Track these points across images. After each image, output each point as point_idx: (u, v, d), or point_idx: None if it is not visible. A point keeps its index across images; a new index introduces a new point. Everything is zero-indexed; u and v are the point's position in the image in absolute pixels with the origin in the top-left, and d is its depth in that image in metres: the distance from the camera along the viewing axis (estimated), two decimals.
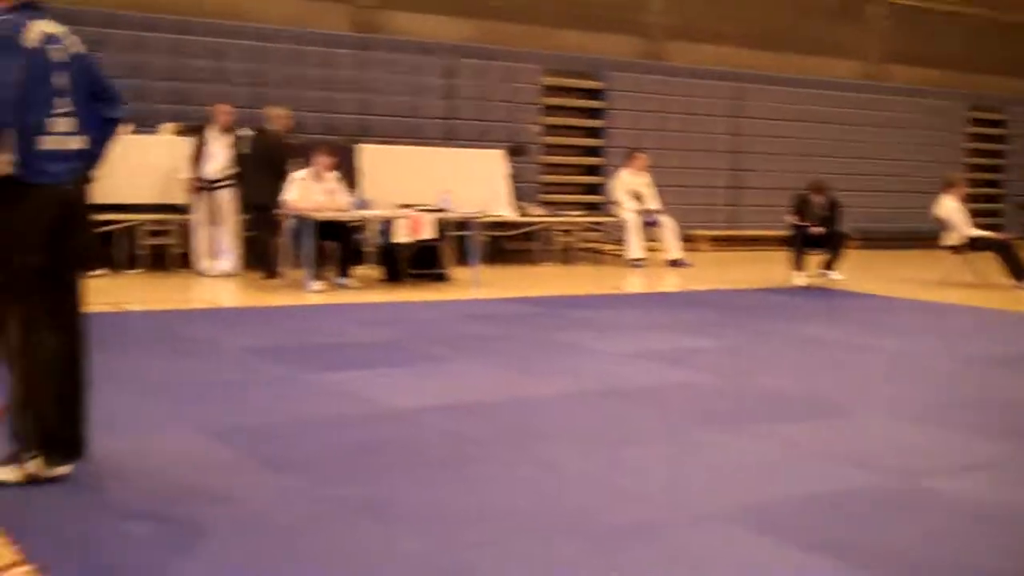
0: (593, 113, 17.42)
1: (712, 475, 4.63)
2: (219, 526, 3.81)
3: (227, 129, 12.21)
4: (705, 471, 4.69)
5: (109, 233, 12.00)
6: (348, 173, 12.84)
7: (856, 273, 13.04)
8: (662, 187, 15.43)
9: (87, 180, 4.48)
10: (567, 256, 15.48)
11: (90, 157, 4.46)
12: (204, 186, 12.06)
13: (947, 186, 13.52)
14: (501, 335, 8.52)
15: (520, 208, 15.09)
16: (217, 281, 11.80)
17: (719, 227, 18.07)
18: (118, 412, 5.09)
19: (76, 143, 4.35)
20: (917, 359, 7.95)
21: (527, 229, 15.29)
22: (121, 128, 4.61)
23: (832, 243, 12.75)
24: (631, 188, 15.02)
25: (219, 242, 12.17)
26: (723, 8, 18.59)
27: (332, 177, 11.62)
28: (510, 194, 15.03)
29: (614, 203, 15.20)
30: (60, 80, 4.28)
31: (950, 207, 13.28)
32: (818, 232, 12.62)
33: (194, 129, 12.37)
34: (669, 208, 15.19)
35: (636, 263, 14.44)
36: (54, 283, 4.28)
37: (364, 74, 15.03)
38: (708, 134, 18.18)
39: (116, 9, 13.42)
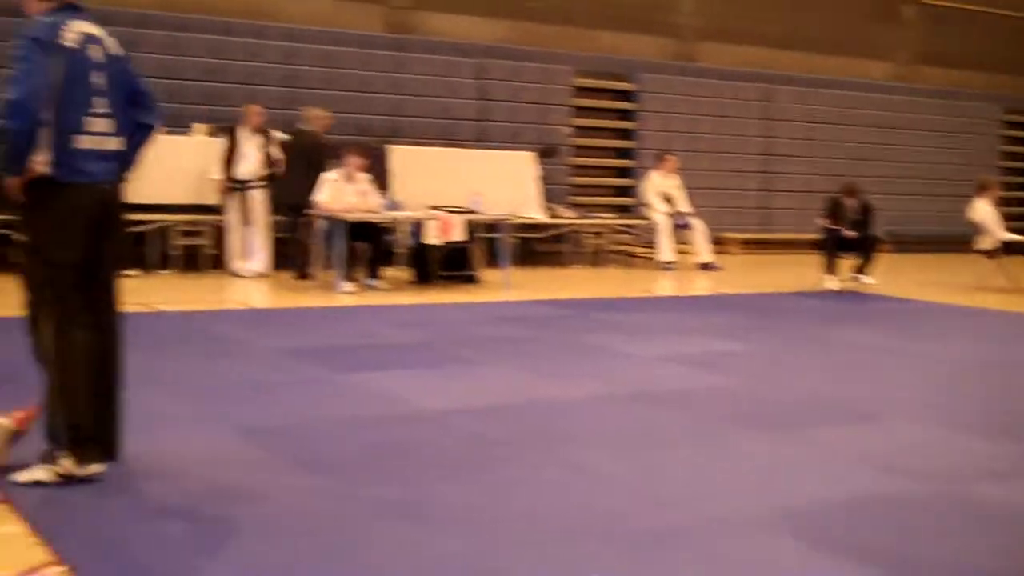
0: (624, 115, 17.38)
1: (743, 479, 4.61)
2: (251, 526, 3.82)
3: (259, 130, 12.26)
4: (736, 475, 4.67)
5: (142, 233, 12.07)
6: (379, 174, 12.86)
7: (889, 277, 12.95)
8: (693, 189, 15.39)
9: (122, 181, 4.52)
10: (597, 258, 15.45)
11: (126, 159, 4.50)
12: (236, 187, 12.11)
13: (981, 189, 13.40)
14: (531, 337, 8.51)
15: (550, 210, 15.07)
16: (249, 282, 11.86)
17: (750, 230, 17.98)
18: (151, 412, 5.12)
19: (113, 143, 4.39)
20: (950, 364, 7.89)
21: (557, 231, 15.28)
22: (157, 133, 4.64)
23: (865, 247, 12.66)
24: (662, 190, 14.98)
25: (251, 243, 12.22)
26: (755, 9, 18.51)
27: (364, 178, 11.65)
28: (541, 196, 15.02)
29: (645, 205, 15.15)
30: (98, 80, 4.31)
31: (984, 210, 13.17)
32: (851, 236, 12.54)
33: (226, 130, 12.42)
34: (700, 210, 15.13)
35: (667, 266, 14.40)
36: (89, 282, 4.32)
37: (397, 75, 15.06)
38: (739, 136, 18.10)
39: (150, 9, 13.51)
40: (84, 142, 4.26)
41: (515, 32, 16.40)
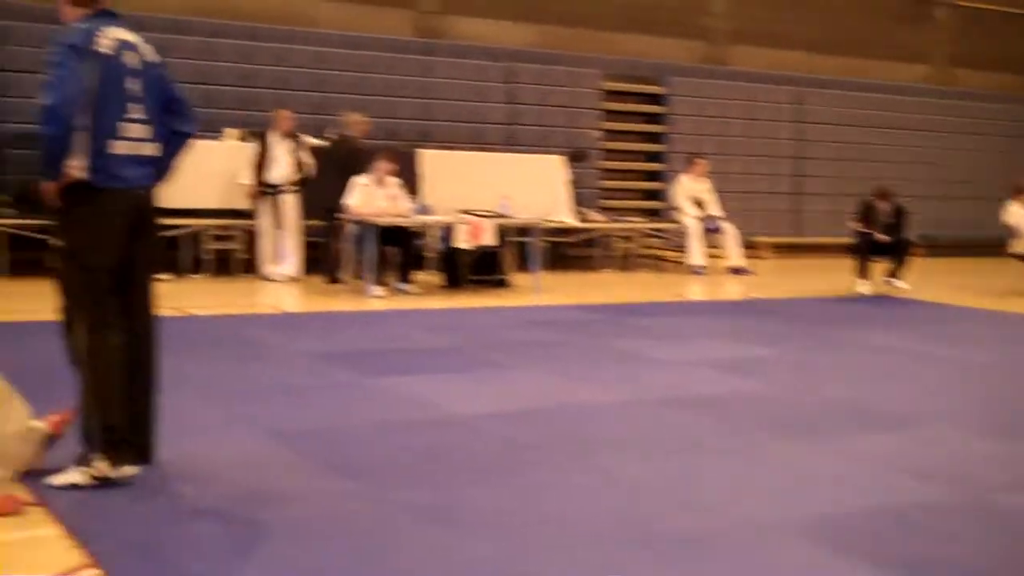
0: (654, 118, 17.35)
1: (774, 485, 4.59)
2: (284, 529, 3.84)
3: (289, 134, 12.32)
4: (767, 481, 4.65)
5: (175, 238, 12.15)
6: (409, 178, 12.89)
7: (922, 282, 12.85)
8: (724, 193, 15.34)
9: (158, 186, 4.55)
10: (627, 263, 15.43)
11: (162, 166, 4.53)
12: (267, 191, 12.17)
13: (1016, 192, 13.28)
14: (561, 342, 8.51)
15: (580, 214, 15.06)
16: (280, 286, 11.92)
17: (782, 234, 17.90)
18: (183, 415, 5.14)
19: (149, 149, 4.42)
20: (984, 370, 7.82)
21: (587, 235, 15.27)
22: (193, 140, 4.67)
23: (897, 251, 12.58)
24: (692, 194, 14.95)
25: (282, 247, 12.28)
26: (785, 11, 18.43)
27: (394, 183, 11.68)
28: (570, 200, 15.01)
29: (675, 209, 15.12)
30: (133, 87, 4.35)
31: (1018, 214, 13.06)
32: (883, 239, 12.45)
33: (256, 135, 12.49)
34: (731, 214, 15.08)
35: (697, 270, 14.36)
36: (123, 285, 4.36)
37: (426, 79, 15.10)
38: (770, 139, 18.03)
39: (183, 15, 13.60)
40: (120, 148, 4.29)
41: (544, 36, 16.41)
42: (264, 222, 12.27)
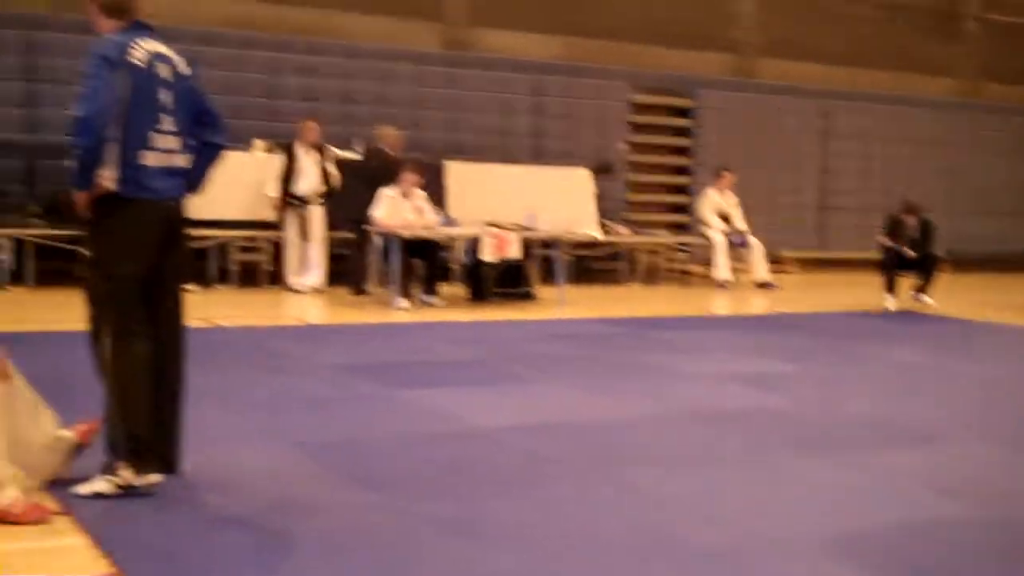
0: (681, 131, 17.33)
1: (799, 501, 4.57)
2: (308, 540, 3.85)
3: (315, 145, 12.38)
4: (792, 497, 4.63)
5: (202, 249, 12.22)
6: (436, 191, 12.93)
7: (949, 297, 12.77)
8: (750, 207, 15.30)
9: (188, 198, 4.59)
10: (653, 276, 15.40)
11: (193, 178, 4.57)
12: (294, 202, 12.23)
13: None
14: (586, 355, 8.50)
15: (606, 227, 15.05)
16: (306, 297, 11.96)
17: (808, 248, 17.82)
18: (208, 425, 5.17)
19: (180, 161, 4.46)
20: (1011, 386, 7.76)
21: (613, 248, 15.25)
22: (224, 153, 4.70)
23: (925, 266, 12.50)
24: (718, 208, 14.92)
25: (308, 258, 12.32)
26: (814, 25, 18.38)
27: (420, 195, 11.71)
28: (596, 213, 15.00)
29: (701, 223, 15.09)
30: (165, 98, 4.38)
31: None
32: (910, 255, 12.38)
33: (283, 146, 12.56)
34: (757, 228, 15.04)
35: (723, 284, 14.33)
36: (152, 295, 4.39)
37: (453, 92, 15.14)
38: (797, 153, 17.98)
39: (213, 27, 13.69)
40: (150, 159, 4.33)
41: (571, 48, 16.43)
42: (290, 233, 12.32)
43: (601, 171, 15.37)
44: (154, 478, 4.27)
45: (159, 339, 4.42)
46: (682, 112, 17.31)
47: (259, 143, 13.10)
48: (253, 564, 3.63)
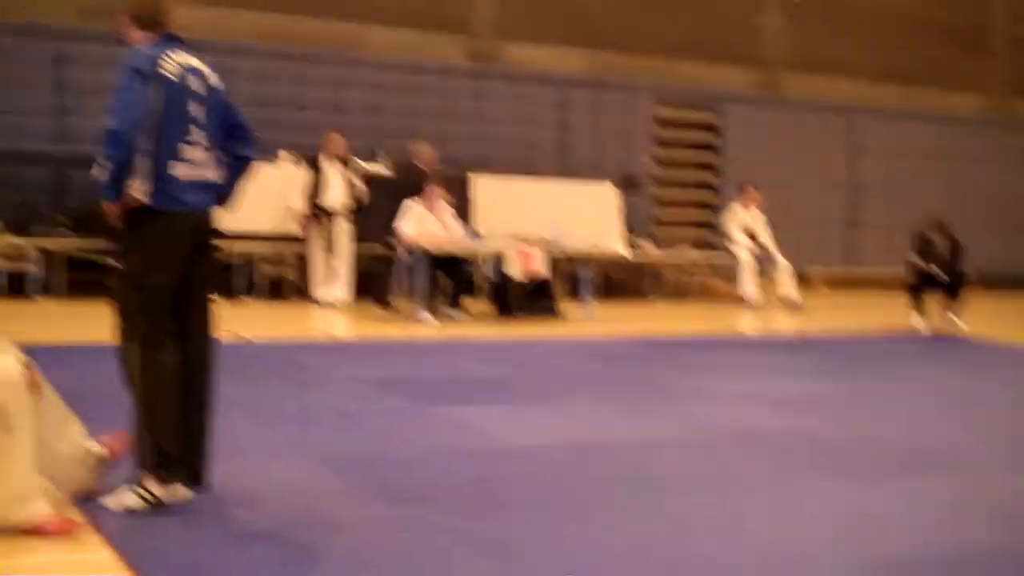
0: (707, 147, 17.28)
1: (828, 526, 4.50)
2: (337, 555, 3.83)
3: (341, 158, 12.40)
4: (823, 521, 4.56)
5: (228, 261, 12.24)
6: (461, 205, 12.92)
7: (979, 318, 12.64)
8: (776, 223, 15.21)
9: (218, 210, 4.59)
10: (679, 292, 15.34)
11: (224, 191, 4.56)
12: (320, 215, 12.24)
13: None
14: (613, 374, 8.46)
15: (632, 243, 15.00)
16: (331, 311, 11.96)
17: (835, 265, 17.72)
18: (235, 439, 5.14)
19: (210, 174, 4.45)
20: None
21: (639, 265, 15.20)
22: (254, 166, 4.70)
23: (954, 286, 12.38)
24: (745, 224, 14.83)
25: (334, 272, 12.33)
26: (841, 40, 18.32)
27: (446, 209, 11.70)
28: (622, 229, 14.96)
29: (727, 239, 15.02)
30: (196, 111, 4.38)
31: None
32: (940, 275, 12.26)
33: (309, 159, 12.58)
34: (784, 245, 14.94)
35: (750, 302, 14.24)
36: (180, 307, 4.38)
37: (479, 105, 15.15)
38: (825, 169, 17.90)
39: (243, 39, 13.74)
40: (181, 171, 4.32)
41: (597, 62, 16.41)
42: (316, 247, 12.33)
43: (627, 185, 15.34)
44: (181, 491, 4.26)
45: (188, 351, 4.41)
46: (708, 127, 17.26)
47: (286, 155, 13.13)
48: None
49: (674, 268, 15.55)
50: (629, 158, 16.08)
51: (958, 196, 18.45)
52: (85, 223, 11.78)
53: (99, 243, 11.18)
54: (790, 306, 14.23)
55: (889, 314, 13.03)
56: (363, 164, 12.92)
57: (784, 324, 13.07)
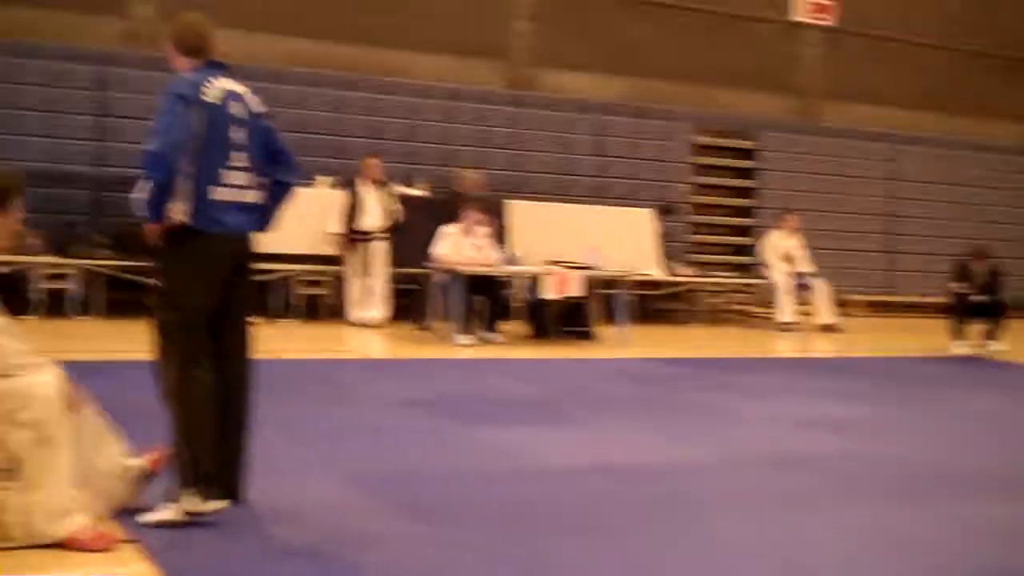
0: (745, 173, 17.24)
1: (873, 550, 4.45)
2: (368, 572, 3.84)
3: (377, 182, 12.46)
4: (860, 546, 4.51)
5: (266, 282, 12.30)
6: (497, 229, 12.94)
7: (1019, 344, 12.50)
8: (815, 249, 15.14)
9: (258, 233, 4.62)
10: (715, 318, 15.28)
11: (264, 214, 4.60)
12: (357, 238, 12.29)
13: None
14: (648, 396, 8.42)
15: (669, 268, 14.96)
16: (368, 332, 11.99)
17: (874, 292, 17.60)
18: (271, 456, 5.16)
19: (251, 197, 4.50)
20: None
21: (675, 289, 15.16)
22: (295, 190, 4.73)
23: (994, 312, 12.28)
24: (782, 250, 14.77)
25: (370, 293, 12.37)
26: (880, 68, 18.23)
27: (482, 232, 11.72)
28: (659, 253, 14.92)
29: (764, 265, 14.95)
30: (238, 136, 4.44)
31: None
32: (979, 301, 12.16)
33: (346, 183, 12.65)
34: (822, 271, 14.86)
35: (787, 327, 14.16)
36: (218, 327, 4.42)
37: (516, 131, 15.20)
38: (863, 196, 17.79)
39: (282, 64, 13.85)
40: (221, 194, 4.37)
41: (635, 89, 16.42)
42: (352, 269, 12.38)
43: (664, 212, 15.30)
44: (218, 505, 4.28)
45: (226, 371, 4.45)
46: (746, 154, 17.22)
47: (324, 179, 13.20)
48: None
49: (710, 293, 15.47)
50: (666, 185, 16.06)
51: (996, 224, 18.31)
52: (124, 243, 11.89)
53: (138, 263, 11.28)
54: (828, 331, 14.13)
55: (927, 339, 12.92)
56: (400, 188, 12.96)
57: (821, 348, 12.98)
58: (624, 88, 16.40)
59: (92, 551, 3.86)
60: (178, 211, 4.27)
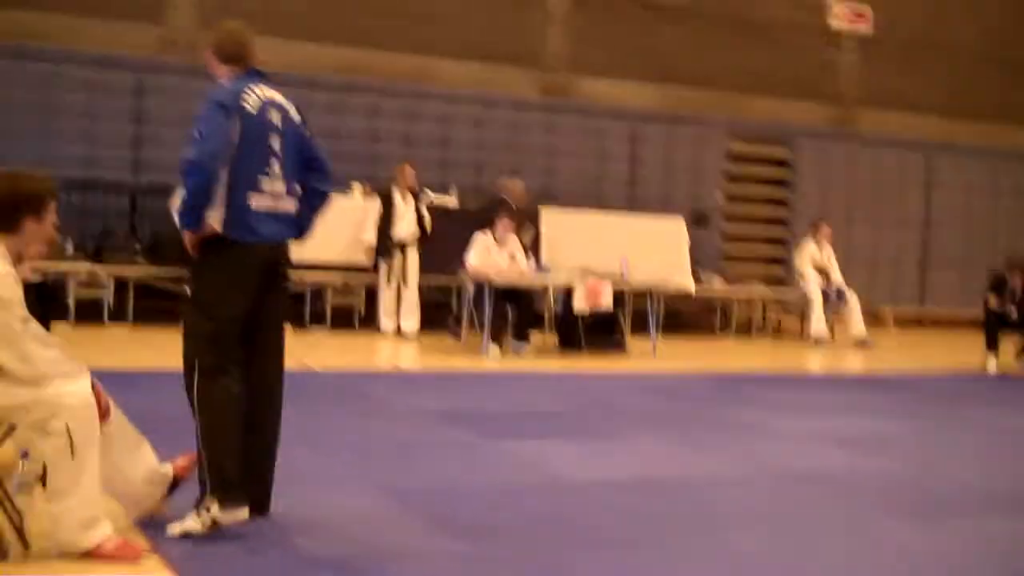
0: (779, 182, 17.14)
1: (897, 568, 4.42)
2: None
3: (411, 190, 12.48)
4: (889, 563, 4.48)
5: (298, 291, 12.33)
6: (534, 239, 12.93)
7: None
8: (849, 260, 15.03)
9: (293, 242, 4.63)
10: (747, 329, 15.19)
11: (301, 223, 4.61)
12: (391, 246, 12.31)
13: None
14: (679, 410, 8.39)
15: (700, 278, 14.88)
16: (398, 341, 12.01)
17: (908, 304, 17.44)
18: (298, 468, 5.18)
19: (287, 205, 4.51)
20: None
21: (707, 300, 15.08)
22: (330, 199, 4.74)
23: None
24: (816, 261, 14.66)
25: (403, 303, 12.37)
26: (916, 76, 18.08)
27: (514, 241, 11.72)
28: (691, 263, 14.84)
29: (798, 276, 14.85)
30: (275, 144, 4.45)
31: None
32: (1015, 315, 12.01)
33: (380, 191, 12.68)
34: (856, 283, 14.74)
35: (819, 339, 14.05)
36: (249, 336, 4.43)
37: (550, 139, 15.19)
38: (899, 206, 17.64)
39: (316, 72, 13.91)
40: (258, 202, 4.39)
41: (669, 97, 16.37)
42: (385, 278, 12.40)
43: (697, 221, 15.23)
44: (242, 513, 4.29)
45: (255, 379, 4.46)
46: (780, 162, 17.13)
47: (358, 187, 13.24)
48: None
49: (743, 304, 15.39)
50: (700, 193, 16.00)
51: None
52: (158, 251, 11.97)
53: (171, 271, 11.35)
54: (860, 344, 14.02)
55: (961, 353, 12.79)
56: (433, 196, 12.99)
57: (852, 363, 12.88)
58: (658, 96, 16.35)
59: (118, 561, 3.88)
60: (214, 219, 4.29)
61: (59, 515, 3.88)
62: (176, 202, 4.31)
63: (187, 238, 4.34)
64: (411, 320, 12.36)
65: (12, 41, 12.64)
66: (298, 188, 4.57)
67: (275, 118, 4.47)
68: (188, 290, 4.49)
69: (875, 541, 4.82)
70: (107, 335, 11.23)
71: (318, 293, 12.76)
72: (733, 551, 4.54)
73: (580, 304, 11.39)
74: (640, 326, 12.25)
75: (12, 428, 3.89)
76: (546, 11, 15.69)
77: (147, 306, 11.87)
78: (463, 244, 11.60)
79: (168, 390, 5.29)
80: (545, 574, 4.08)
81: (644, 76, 16.25)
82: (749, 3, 16.94)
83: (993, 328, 12.09)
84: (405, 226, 12.36)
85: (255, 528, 4.32)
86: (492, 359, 10.70)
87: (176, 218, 4.35)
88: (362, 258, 12.55)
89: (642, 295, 12.32)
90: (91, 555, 3.88)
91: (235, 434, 4.34)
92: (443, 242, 12.25)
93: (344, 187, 12.98)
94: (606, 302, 11.51)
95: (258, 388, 4.47)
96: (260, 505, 4.45)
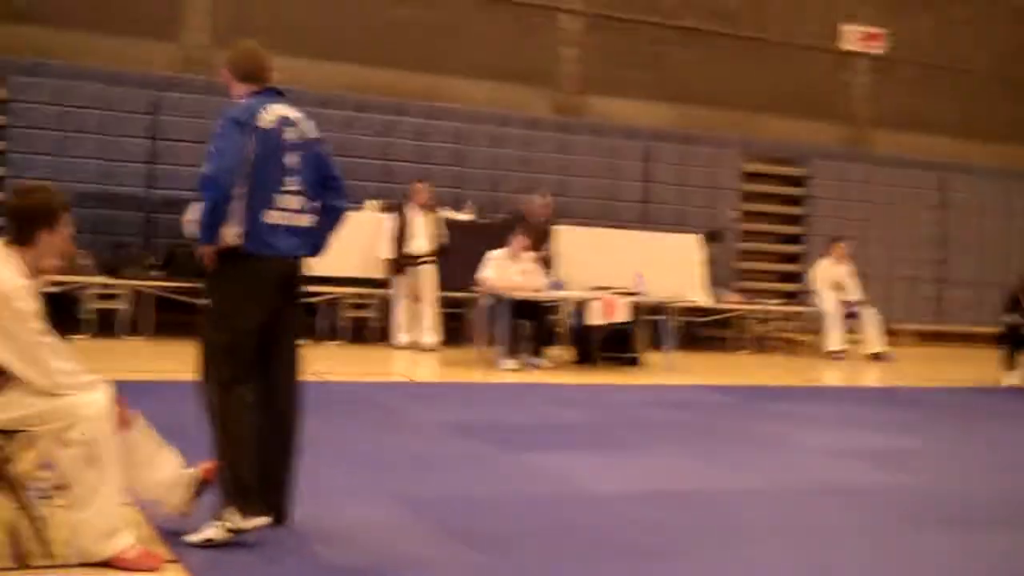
0: (793, 200, 17.14)
1: None
2: None
3: (426, 207, 12.51)
4: None
5: (313, 304, 12.37)
6: (548, 255, 12.93)
7: None
8: (865, 278, 15.00)
9: (309, 257, 4.65)
10: (762, 345, 15.17)
11: (316, 239, 4.64)
12: (406, 262, 12.34)
13: None
14: (694, 424, 8.37)
15: (715, 294, 14.87)
16: (413, 355, 12.01)
17: (924, 321, 17.40)
18: (316, 478, 5.16)
19: (303, 220, 4.54)
20: None
21: (722, 316, 15.07)
22: (346, 215, 4.77)
23: None
24: (831, 278, 14.65)
25: (419, 318, 12.38)
26: (930, 96, 18.11)
27: (528, 257, 11.73)
28: (705, 280, 14.84)
29: (813, 292, 14.84)
30: (291, 160, 4.49)
31: None
32: None
33: (394, 207, 12.71)
34: (871, 300, 14.71)
35: (835, 355, 14.02)
36: (265, 349, 4.45)
37: (564, 157, 15.21)
38: (913, 225, 17.62)
39: (331, 90, 13.98)
40: (274, 217, 4.42)
41: (683, 116, 16.41)
42: (400, 293, 12.42)
43: (712, 238, 15.23)
44: (260, 521, 4.30)
45: (273, 392, 4.48)
46: (795, 181, 17.13)
47: (372, 203, 13.27)
48: None
49: (758, 320, 15.37)
50: (714, 211, 16.00)
51: None
52: (174, 264, 12.02)
53: (187, 284, 11.38)
54: (877, 360, 13.99)
55: (977, 369, 12.74)
56: (448, 213, 13.01)
57: (869, 377, 12.84)
58: (672, 114, 16.38)
59: (138, 570, 3.89)
60: (231, 234, 4.32)
61: (80, 524, 3.89)
62: (189, 216, 4.33)
63: (203, 251, 4.37)
64: (431, 336, 12.35)
65: (30, 57, 12.76)
66: (315, 204, 4.59)
67: (290, 135, 4.50)
68: (204, 303, 4.51)
69: (899, 554, 4.80)
70: (124, 347, 11.25)
71: (333, 307, 12.78)
72: (756, 563, 4.52)
73: (596, 318, 11.38)
74: (656, 342, 12.23)
75: (32, 438, 3.91)
76: (560, 30, 15.74)
77: (164, 319, 11.90)
78: (478, 260, 11.62)
79: (185, 401, 5.31)
80: None
81: (657, 95, 16.29)
82: (762, 24, 16.99)
83: (1010, 345, 12.06)
84: (419, 243, 12.38)
85: (273, 537, 4.33)
86: (508, 373, 10.69)
87: (187, 232, 4.38)
88: (376, 272, 12.57)
89: (657, 311, 12.31)
90: (112, 563, 3.88)
91: (251, 443, 4.36)
92: (458, 258, 12.27)
93: (358, 203, 13.02)
94: (621, 317, 11.50)
95: (275, 399, 4.50)
96: (279, 515, 4.46)
